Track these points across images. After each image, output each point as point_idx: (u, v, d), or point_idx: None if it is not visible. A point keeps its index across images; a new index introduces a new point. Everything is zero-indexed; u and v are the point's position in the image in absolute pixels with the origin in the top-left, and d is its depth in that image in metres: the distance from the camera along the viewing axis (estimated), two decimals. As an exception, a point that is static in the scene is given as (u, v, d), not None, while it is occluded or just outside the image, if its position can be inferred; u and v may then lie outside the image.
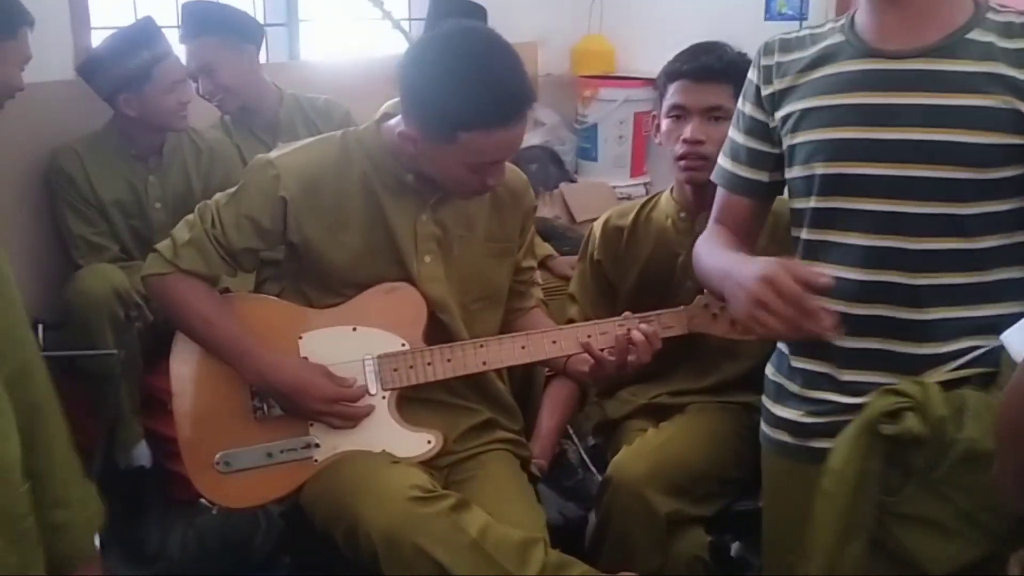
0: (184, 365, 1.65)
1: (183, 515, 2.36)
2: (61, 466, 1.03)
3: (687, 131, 1.80)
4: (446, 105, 1.45)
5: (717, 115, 1.80)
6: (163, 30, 2.52)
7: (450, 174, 1.54)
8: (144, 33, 2.47)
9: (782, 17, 3.88)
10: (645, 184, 4.23)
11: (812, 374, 1.42)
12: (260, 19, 3.16)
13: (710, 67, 1.80)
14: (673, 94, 1.84)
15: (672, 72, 1.86)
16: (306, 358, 1.63)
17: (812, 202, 1.39)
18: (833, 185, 1.36)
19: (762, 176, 1.48)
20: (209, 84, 2.64)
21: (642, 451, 1.74)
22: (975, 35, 1.30)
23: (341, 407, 1.60)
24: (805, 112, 1.39)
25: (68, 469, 1.05)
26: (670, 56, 4.18)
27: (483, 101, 1.44)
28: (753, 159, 1.49)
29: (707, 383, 1.92)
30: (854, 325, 1.31)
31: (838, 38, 1.39)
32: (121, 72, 2.41)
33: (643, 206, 2.00)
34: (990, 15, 1.32)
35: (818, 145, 1.36)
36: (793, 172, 1.41)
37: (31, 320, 2.32)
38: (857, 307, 1.33)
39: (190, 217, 1.63)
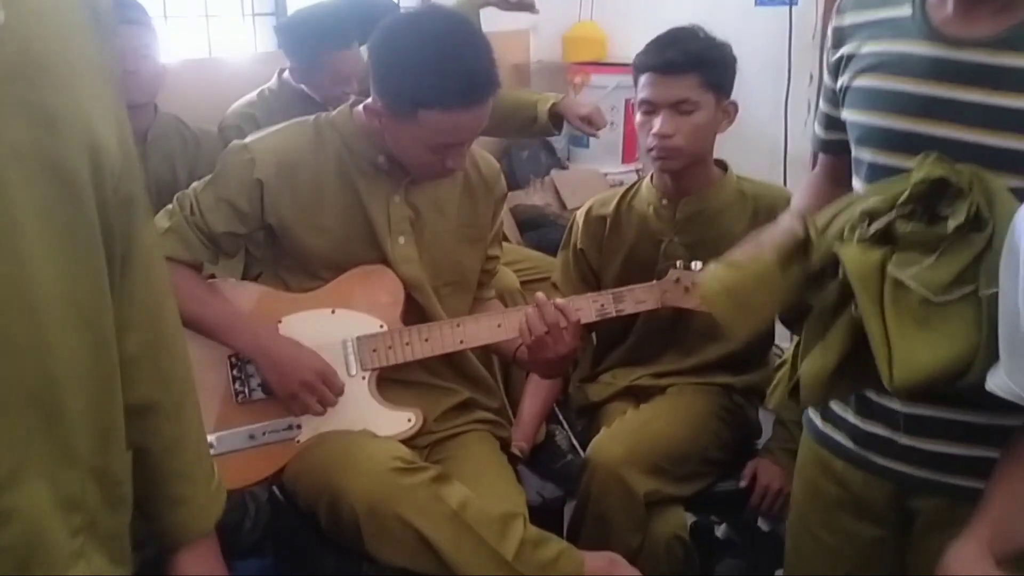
0: None
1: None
2: (193, 442, 1.03)
3: (656, 125, 1.81)
4: (408, 81, 1.48)
5: (684, 108, 1.79)
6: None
7: (411, 152, 1.56)
8: None
9: (772, 2, 3.88)
10: (637, 170, 4.22)
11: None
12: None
13: (674, 61, 1.80)
14: (642, 88, 1.85)
15: (640, 65, 1.87)
16: (285, 340, 1.64)
17: (856, 183, 1.31)
18: (876, 176, 1.27)
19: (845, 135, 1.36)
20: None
21: (620, 432, 1.76)
22: None
23: (323, 387, 1.61)
24: (860, 90, 1.29)
25: (198, 446, 1.04)
26: (661, 43, 4.09)
27: (444, 81, 1.47)
28: (833, 124, 1.38)
29: (688, 364, 1.93)
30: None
31: (906, 10, 1.25)
32: None
33: (624, 194, 2.01)
34: None
35: (868, 131, 1.28)
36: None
37: None
38: None
39: (169, 206, 1.65)
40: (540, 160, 4.01)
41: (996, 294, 1.05)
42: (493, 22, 3.89)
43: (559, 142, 4.22)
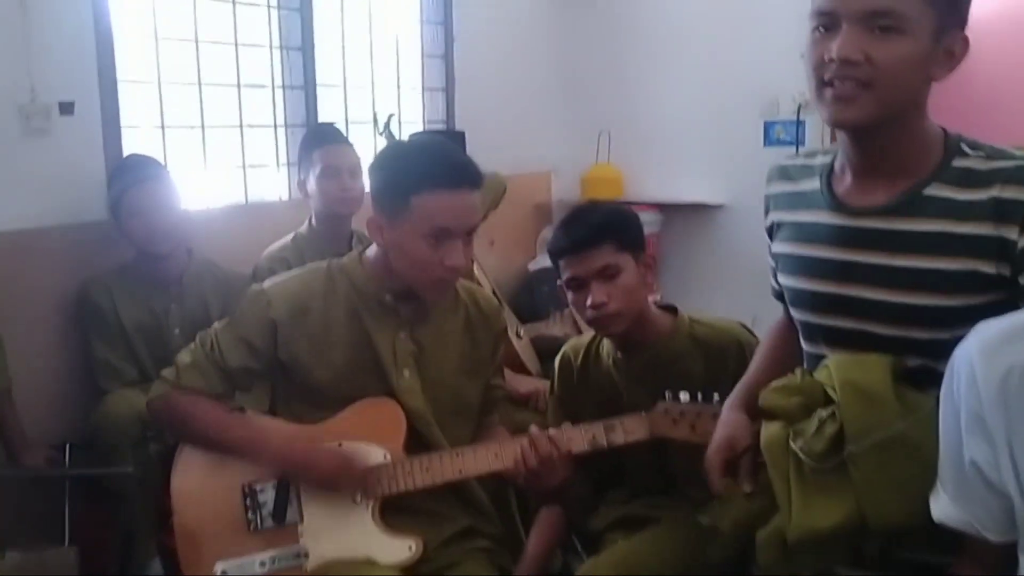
0: (183, 482, 1.78)
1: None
2: None
3: (590, 298, 1.86)
4: (400, 175, 1.68)
5: (609, 273, 1.85)
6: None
7: (412, 254, 1.68)
8: None
9: (780, 143, 4.07)
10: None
11: None
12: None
13: (584, 237, 1.86)
14: (564, 270, 1.90)
15: (556, 251, 1.92)
16: (297, 471, 1.74)
17: (802, 343, 1.45)
18: (809, 332, 1.42)
19: None
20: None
21: (607, 560, 1.81)
22: (933, 190, 1.28)
23: (348, 471, 1.71)
24: (783, 256, 1.45)
25: None
26: (676, 181, 4.36)
27: (431, 166, 1.67)
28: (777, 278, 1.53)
29: (678, 501, 1.97)
30: None
31: (815, 184, 1.41)
32: None
33: (591, 342, 2.06)
34: (956, 161, 1.29)
35: (792, 292, 1.43)
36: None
37: (59, 441, 2.51)
38: None
39: (192, 344, 1.80)
40: (560, 293, 4.14)
41: (860, 451, 1.24)
42: (517, 165, 4.13)
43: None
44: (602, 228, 1.87)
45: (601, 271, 1.86)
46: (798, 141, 4.00)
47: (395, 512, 1.75)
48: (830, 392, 1.31)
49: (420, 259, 1.68)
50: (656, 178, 4.42)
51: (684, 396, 1.77)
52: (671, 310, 2.02)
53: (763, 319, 1.79)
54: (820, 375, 1.35)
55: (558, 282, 1.98)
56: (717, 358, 1.89)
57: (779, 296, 1.56)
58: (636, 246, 1.92)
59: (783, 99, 4.05)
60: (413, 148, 1.72)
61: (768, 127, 4.14)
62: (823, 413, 1.29)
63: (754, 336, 1.94)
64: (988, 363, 1.04)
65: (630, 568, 1.78)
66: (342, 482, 1.71)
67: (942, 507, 1.13)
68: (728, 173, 4.22)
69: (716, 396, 1.73)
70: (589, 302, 1.86)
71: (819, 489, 1.26)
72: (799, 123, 4.01)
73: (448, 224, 1.66)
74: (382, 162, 1.76)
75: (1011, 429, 1.02)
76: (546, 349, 3.86)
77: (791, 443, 1.30)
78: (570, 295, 1.93)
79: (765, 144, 4.13)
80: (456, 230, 1.68)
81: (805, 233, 1.40)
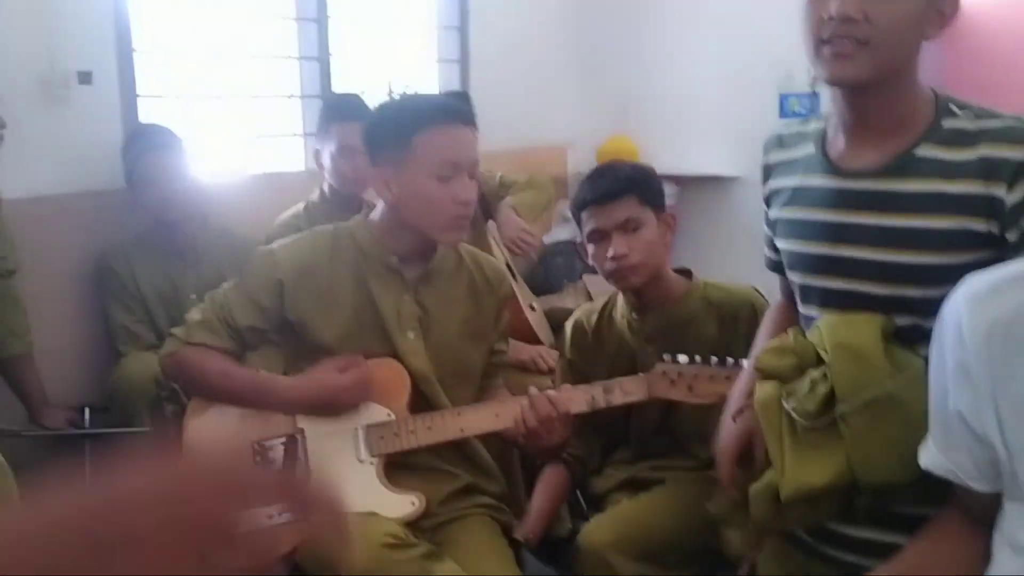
0: (194, 442, 1.83)
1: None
2: None
3: (611, 250, 1.90)
4: (396, 121, 1.74)
5: (632, 226, 1.91)
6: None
7: (422, 195, 1.73)
8: None
9: (795, 115, 4.06)
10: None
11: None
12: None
13: (610, 188, 1.92)
14: (587, 222, 1.96)
15: (579, 202, 1.98)
16: (302, 428, 1.79)
17: (799, 305, 1.49)
18: (805, 294, 1.46)
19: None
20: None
21: (612, 519, 1.85)
22: (924, 150, 1.31)
23: (359, 377, 1.76)
24: (781, 221, 1.48)
25: None
26: (692, 153, 4.36)
27: (425, 106, 1.75)
28: (773, 244, 1.57)
29: (684, 458, 2.01)
30: None
31: (810, 149, 1.44)
32: None
33: (605, 306, 2.12)
34: (946, 122, 1.32)
35: (792, 256, 1.46)
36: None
37: (78, 404, 2.58)
38: None
39: (202, 304, 1.84)
40: (574, 265, 4.17)
41: (851, 410, 1.27)
42: (532, 138, 4.14)
43: (593, 249, 4.39)
44: (627, 181, 1.93)
45: (624, 224, 1.91)
46: (812, 113, 3.98)
47: (398, 469, 1.79)
48: (821, 353, 1.33)
49: (432, 199, 1.72)
50: (672, 151, 4.42)
51: (683, 358, 1.80)
52: (686, 274, 2.06)
53: (776, 292, 1.82)
54: (812, 336, 1.38)
55: (578, 239, 2.02)
56: (730, 321, 1.93)
57: (772, 266, 1.60)
58: (658, 203, 1.96)
59: (798, 71, 4.01)
60: (404, 98, 1.79)
61: (783, 99, 4.13)
62: (815, 373, 1.32)
63: (767, 301, 1.97)
64: (974, 314, 1.06)
65: (635, 526, 1.82)
66: (346, 395, 1.75)
67: (930, 456, 1.15)
68: (744, 145, 4.19)
69: (730, 360, 1.77)
70: (610, 253, 1.91)
71: (811, 447, 1.30)
72: (814, 95, 4.00)
73: (453, 158, 1.72)
74: (377, 120, 1.80)
75: (995, 380, 1.04)
76: (559, 321, 3.87)
77: (784, 403, 1.33)
78: (591, 248, 1.97)
79: (780, 116, 4.11)
80: (461, 163, 1.73)
81: (801, 197, 1.43)
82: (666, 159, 4.42)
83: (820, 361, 1.34)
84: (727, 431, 1.49)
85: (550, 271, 4.04)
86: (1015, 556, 1.05)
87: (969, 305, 1.07)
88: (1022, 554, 1.04)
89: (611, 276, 1.95)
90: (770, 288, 2.03)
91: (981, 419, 1.06)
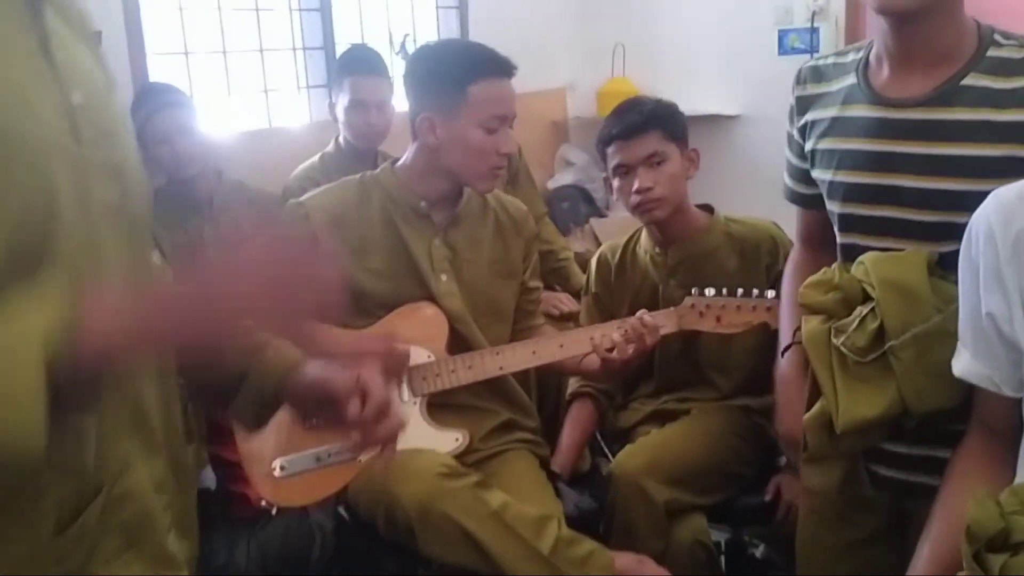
0: None
1: (245, 531, 2.57)
2: None
3: (636, 183, 1.96)
4: (452, 68, 1.77)
5: (657, 160, 1.97)
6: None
7: (471, 144, 1.78)
8: None
9: (795, 51, 4.07)
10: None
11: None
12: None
13: (635, 123, 1.97)
14: (612, 156, 2.01)
15: (605, 137, 2.03)
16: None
17: (837, 235, 1.52)
18: (847, 223, 1.48)
19: (815, 190, 1.56)
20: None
21: (643, 447, 1.93)
22: (971, 80, 1.33)
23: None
24: (820, 152, 1.50)
25: None
26: (691, 93, 4.39)
27: (483, 57, 1.78)
28: (803, 176, 1.58)
29: (708, 390, 2.09)
30: None
31: (852, 79, 1.45)
32: None
33: (629, 240, 2.18)
34: (991, 51, 1.34)
35: (833, 186, 1.48)
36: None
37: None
38: None
39: None
40: (580, 209, 4.22)
41: (901, 345, 1.32)
42: (532, 82, 4.14)
43: (598, 192, 4.43)
44: (652, 116, 1.98)
45: (648, 158, 1.96)
46: (812, 49, 3.99)
47: (440, 408, 1.86)
48: (868, 289, 1.37)
49: (478, 148, 1.78)
50: (672, 91, 4.34)
51: (710, 291, 1.87)
52: (707, 209, 2.11)
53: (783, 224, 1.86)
54: (857, 271, 1.41)
55: (603, 175, 2.08)
56: (751, 253, 1.99)
57: (793, 198, 1.63)
58: (682, 138, 2.02)
59: (797, 7, 4.04)
60: (457, 44, 1.86)
61: (782, 35, 4.12)
62: (863, 309, 1.36)
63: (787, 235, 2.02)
64: (1005, 221, 1.11)
65: (666, 453, 1.90)
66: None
67: (964, 363, 1.21)
68: (743, 83, 4.23)
69: (756, 291, 1.83)
70: (635, 187, 1.96)
71: (862, 380, 1.35)
72: (813, 31, 4.01)
73: (504, 111, 1.78)
74: (429, 63, 1.83)
75: (1022, 283, 1.10)
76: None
77: (832, 339, 1.38)
78: (616, 181, 2.02)
79: (779, 53, 4.12)
80: (508, 116, 1.80)
81: (841, 127, 1.45)
82: (666, 99, 4.44)
83: (866, 297, 1.38)
84: (781, 369, 1.56)
85: (556, 215, 4.09)
86: None
87: (999, 213, 1.12)
88: None
89: (636, 209, 2.01)
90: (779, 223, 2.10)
91: (1011, 322, 1.12)
